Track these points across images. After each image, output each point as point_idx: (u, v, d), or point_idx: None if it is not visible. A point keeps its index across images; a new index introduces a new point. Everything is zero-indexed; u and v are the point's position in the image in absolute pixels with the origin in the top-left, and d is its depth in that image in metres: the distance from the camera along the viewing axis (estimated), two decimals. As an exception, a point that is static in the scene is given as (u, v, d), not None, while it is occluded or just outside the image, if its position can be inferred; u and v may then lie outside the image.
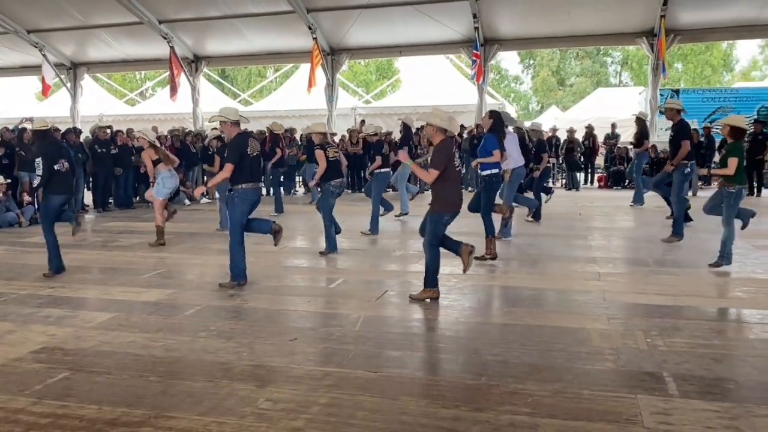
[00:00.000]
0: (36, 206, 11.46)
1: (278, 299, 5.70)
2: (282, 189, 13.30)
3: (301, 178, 16.98)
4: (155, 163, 8.49)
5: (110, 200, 13.52)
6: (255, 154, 6.05)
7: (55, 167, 6.45)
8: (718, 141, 15.10)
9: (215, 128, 9.83)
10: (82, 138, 13.60)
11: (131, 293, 5.96)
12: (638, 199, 12.05)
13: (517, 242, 8.43)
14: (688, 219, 8.88)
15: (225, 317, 5.10)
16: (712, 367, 3.91)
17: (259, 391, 3.59)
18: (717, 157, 14.85)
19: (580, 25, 16.70)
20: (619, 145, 17.28)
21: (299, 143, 16.03)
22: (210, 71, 24.17)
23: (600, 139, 17.78)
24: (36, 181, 6.49)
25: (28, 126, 12.75)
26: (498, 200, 7.82)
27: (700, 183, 14.93)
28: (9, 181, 10.94)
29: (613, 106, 21.15)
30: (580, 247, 8.13)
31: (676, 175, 8.22)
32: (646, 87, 17.87)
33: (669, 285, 5.98)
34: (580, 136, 17.36)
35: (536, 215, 10.04)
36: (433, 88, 19.89)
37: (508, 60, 44.41)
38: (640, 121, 12.32)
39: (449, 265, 6.25)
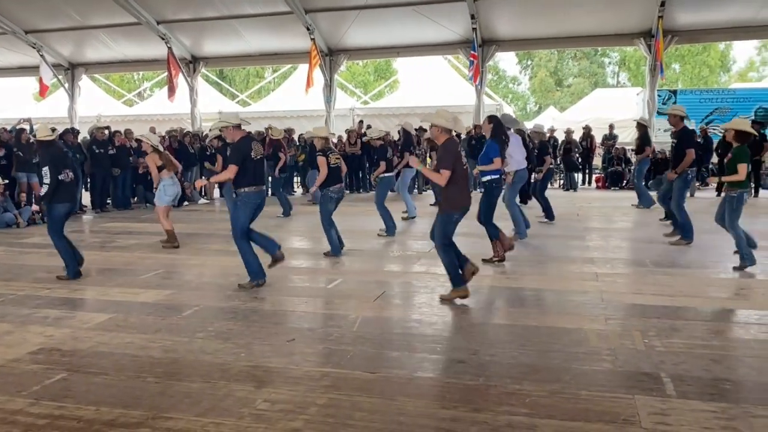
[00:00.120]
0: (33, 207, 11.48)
1: (276, 300, 5.70)
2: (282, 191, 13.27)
3: (300, 179, 17.00)
4: (159, 168, 8.46)
5: (108, 201, 13.50)
6: (258, 157, 6.05)
7: (60, 177, 6.45)
8: (715, 142, 15.17)
9: (213, 129, 9.81)
10: (79, 139, 13.59)
11: (129, 294, 5.95)
12: (645, 201, 12.02)
13: (515, 243, 8.42)
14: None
15: (223, 318, 5.10)
16: (710, 368, 3.91)
17: (257, 392, 3.59)
18: (715, 158, 14.92)
19: (578, 26, 16.72)
20: (617, 146, 17.31)
21: (297, 144, 16.03)
22: (208, 72, 24.20)
23: (598, 139, 17.82)
24: (43, 190, 6.47)
25: (26, 127, 12.76)
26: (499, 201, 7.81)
27: (697, 184, 14.94)
28: (7, 182, 10.92)
29: (610, 106, 21.19)
30: (578, 247, 8.14)
31: (677, 181, 8.10)
32: (644, 88, 17.91)
33: (666, 285, 5.99)
34: (577, 136, 17.39)
35: (549, 215, 10.13)
36: (432, 88, 19.91)
37: (506, 61, 44.55)
38: (642, 127, 12.29)
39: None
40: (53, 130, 6.97)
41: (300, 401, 3.46)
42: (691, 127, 9.30)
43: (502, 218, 7.84)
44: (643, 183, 12.58)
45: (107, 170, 12.99)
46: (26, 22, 18.29)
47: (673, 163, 8.22)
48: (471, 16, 16.04)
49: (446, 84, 20.69)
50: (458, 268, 5.43)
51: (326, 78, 18.38)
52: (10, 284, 6.45)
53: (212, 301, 5.67)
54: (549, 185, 11.04)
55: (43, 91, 20.39)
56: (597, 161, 18.60)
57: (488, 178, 7.31)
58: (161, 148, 8.88)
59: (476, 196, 6.76)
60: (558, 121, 20.95)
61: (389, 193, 9.67)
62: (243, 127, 6.15)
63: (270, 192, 13.30)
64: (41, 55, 19.08)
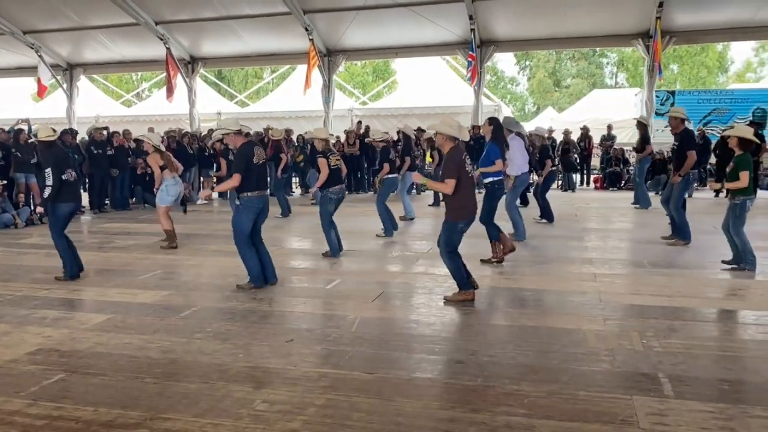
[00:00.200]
0: (32, 208, 11.47)
1: (275, 300, 5.70)
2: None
3: (298, 180, 16.99)
4: (161, 168, 8.45)
5: (106, 201, 13.49)
6: (261, 162, 6.05)
7: (63, 177, 6.45)
8: (713, 142, 15.20)
9: (214, 135, 9.78)
10: (78, 139, 13.58)
11: (127, 295, 5.95)
12: (644, 202, 12.03)
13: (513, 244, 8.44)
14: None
15: (221, 319, 5.09)
16: (708, 368, 3.92)
17: (256, 393, 3.59)
18: (713, 159, 14.94)
19: (576, 27, 16.73)
20: (615, 147, 17.33)
21: (296, 144, 16.04)
22: (206, 72, 24.18)
23: (596, 140, 17.83)
24: (47, 192, 6.47)
25: (24, 127, 12.74)
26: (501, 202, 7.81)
27: (695, 185, 14.95)
28: (5, 182, 10.91)
29: (609, 107, 21.22)
30: (577, 248, 8.15)
31: (677, 183, 8.09)
32: (642, 88, 17.93)
33: (664, 286, 6.00)
34: (575, 137, 17.40)
35: (548, 217, 10.17)
36: (430, 89, 19.92)
37: (504, 61, 44.60)
38: (642, 126, 12.29)
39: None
40: (54, 130, 6.96)
41: (298, 402, 3.46)
42: (694, 132, 9.25)
43: (501, 218, 7.84)
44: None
45: (105, 171, 12.98)
46: (24, 23, 18.27)
47: (675, 165, 8.20)
48: (469, 17, 16.05)
49: (444, 85, 20.69)
50: (464, 273, 5.44)
51: (325, 79, 18.38)
52: (8, 285, 6.44)
53: (210, 301, 5.67)
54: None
55: (42, 91, 20.36)
56: (595, 162, 18.61)
57: (490, 179, 7.33)
58: (162, 148, 8.87)
59: (478, 197, 6.76)
60: (556, 122, 20.97)
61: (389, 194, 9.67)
62: (243, 130, 6.16)
63: (270, 192, 13.33)
64: (39, 56, 19.06)
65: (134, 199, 14.21)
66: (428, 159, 14.21)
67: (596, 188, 17.49)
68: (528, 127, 14.79)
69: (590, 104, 23.46)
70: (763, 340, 4.51)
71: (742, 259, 6.60)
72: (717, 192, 14.69)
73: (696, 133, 15.11)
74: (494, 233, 7.11)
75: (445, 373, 3.97)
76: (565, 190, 16.60)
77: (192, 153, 14.70)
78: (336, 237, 7.69)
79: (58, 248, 6.62)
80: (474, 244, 7.23)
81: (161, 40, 18.01)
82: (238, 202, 6.03)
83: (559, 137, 17.32)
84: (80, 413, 3.36)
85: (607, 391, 3.56)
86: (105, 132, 13.39)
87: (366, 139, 14.92)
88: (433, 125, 5.56)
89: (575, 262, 7.20)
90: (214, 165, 14.78)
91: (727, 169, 6.70)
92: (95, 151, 12.81)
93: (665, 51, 16.78)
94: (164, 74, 19.38)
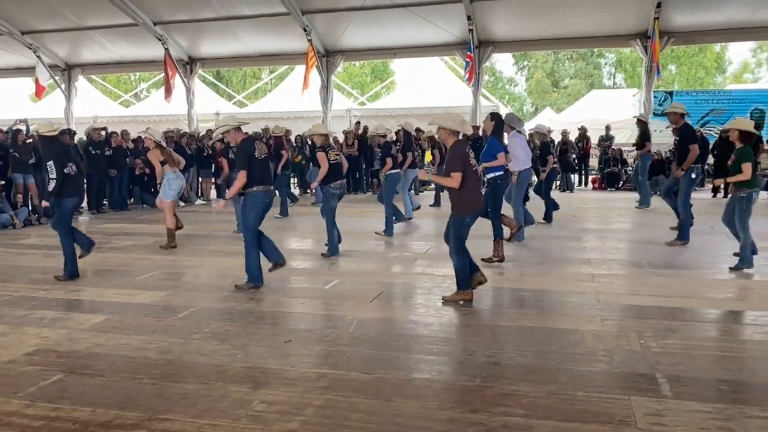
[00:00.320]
0: (30, 208, 11.45)
1: (273, 300, 5.70)
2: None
3: (297, 180, 16.98)
4: (161, 163, 8.45)
5: (104, 202, 13.47)
6: (263, 157, 6.05)
7: (65, 171, 6.45)
8: (711, 143, 15.19)
9: (215, 135, 9.77)
10: (76, 139, 13.56)
11: (125, 295, 5.94)
12: (644, 201, 12.01)
13: (511, 244, 8.43)
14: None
15: (219, 319, 5.09)
16: (706, 369, 3.92)
17: (254, 393, 3.59)
18: (711, 159, 14.95)
19: (575, 27, 16.75)
20: (613, 147, 17.34)
21: (294, 144, 16.04)
22: (205, 73, 24.15)
23: (594, 140, 17.83)
24: (50, 186, 6.47)
25: (22, 127, 12.71)
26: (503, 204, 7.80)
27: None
28: (3, 182, 10.89)
29: (607, 108, 21.23)
30: (575, 248, 8.15)
31: (683, 180, 8.08)
32: (640, 89, 17.95)
33: (662, 286, 6.00)
34: (573, 137, 17.41)
35: (548, 217, 10.17)
36: (428, 89, 19.92)
37: (502, 62, 44.62)
38: (642, 123, 12.28)
39: (445, 266, 6.25)
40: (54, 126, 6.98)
41: (297, 402, 3.46)
42: (693, 126, 9.24)
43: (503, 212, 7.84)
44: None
45: (104, 171, 12.96)
46: (23, 23, 18.24)
47: (678, 159, 8.21)
48: (467, 18, 16.05)
49: (443, 85, 20.68)
50: (468, 272, 5.44)
51: (323, 79, 18.38)
52: (6, 285, 6.44)
53: (209, 302, 5.67)
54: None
55: (40, 92, 20.33)
56: (593, 162, 18.62)
57: (493, 174, 7.30)
58: (163, 144, 8.88)
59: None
60: (554, 122, 20.96)
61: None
62: (243, 128, 6.16)
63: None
64: (38, 56, 19.03)
65: (132, 199, 14.20)
66: (428, 158, 14.20)
67: (594, 189, 17.50)
68: (526, 127, 14.78)
69: (588, 105, 23.47)
70: (762, 340, 4.51)
71: (741, 255, 6.60)
72: (715, 192, 14.71)
73: (695, 132, 15.16)
74: (498, 232, 7.12)
75: (443, 373, 3.97)
76: (563, 191, 16.61)
77: (190, 153, 14.68)
78: (337, 236, 7.69)
79: (63, 246, 6.60)
80: (475, 244, 7.22)
81: (159, 40, 17.99)
82: (241, 197, 6.02)
83: (557, 138, 17.33)
84: (78, 414, 3.35)
85: (605, 391, 3.56)
86: (103, 132, 13.38)
87: (368, 134, 14.91)
88: (435, 119, 5.52)
89: (574, 263, 7.20)
90: (213, 166, 14.81)
91: (729, 163, 6.70)
92: (93, 152, 12.80)
93: (663, 51, 16.81)
94: (162, 75, 19.37)
